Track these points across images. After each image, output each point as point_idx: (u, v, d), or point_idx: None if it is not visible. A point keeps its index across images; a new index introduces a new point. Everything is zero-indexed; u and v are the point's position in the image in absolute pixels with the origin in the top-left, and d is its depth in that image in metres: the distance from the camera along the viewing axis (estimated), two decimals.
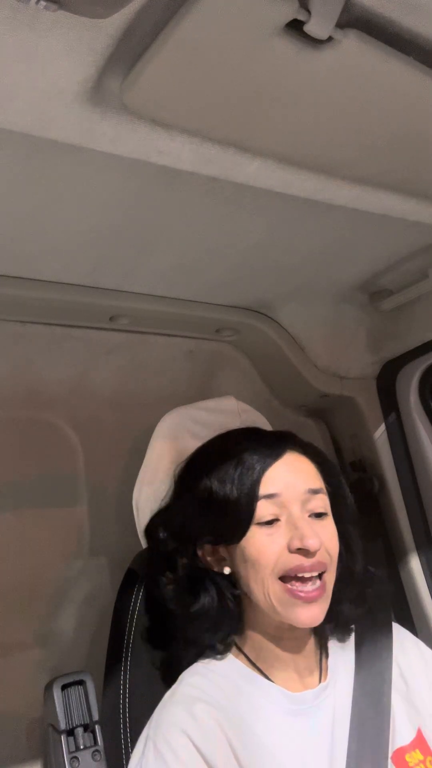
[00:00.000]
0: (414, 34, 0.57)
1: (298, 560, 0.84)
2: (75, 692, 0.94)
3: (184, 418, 1.07)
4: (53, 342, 1.16)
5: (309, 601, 0.84)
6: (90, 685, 0.95)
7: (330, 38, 0.53)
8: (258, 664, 0.91)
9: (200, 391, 1.28)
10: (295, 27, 0.52)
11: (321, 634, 0.96)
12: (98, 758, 0.92)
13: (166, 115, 0.61)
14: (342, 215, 0.86)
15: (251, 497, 0.87)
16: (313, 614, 0.85)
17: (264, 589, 0.86)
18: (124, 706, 0.96)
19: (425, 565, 1.29)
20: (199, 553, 0.93)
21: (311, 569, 0.84)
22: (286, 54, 0.54)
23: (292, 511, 0.87)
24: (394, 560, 1.31)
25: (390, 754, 0.86)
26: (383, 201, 0.81)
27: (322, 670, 0.93)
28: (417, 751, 0.88)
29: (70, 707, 0.93)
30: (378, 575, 1.12)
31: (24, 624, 1.10)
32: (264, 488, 0.88)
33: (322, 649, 0.96)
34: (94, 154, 0.65)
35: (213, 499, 0.90)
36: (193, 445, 1.02)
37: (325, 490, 0.92)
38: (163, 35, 0.52)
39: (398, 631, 1.02)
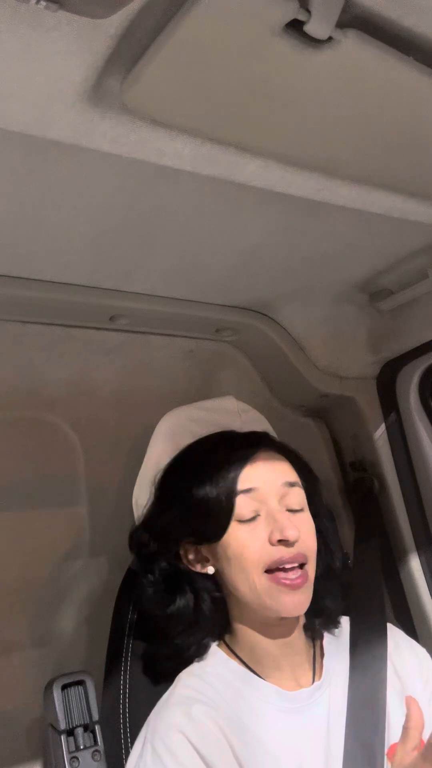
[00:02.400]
0: (414, 34, 0.57)
1: (280, 552, 0.87)
2: (75, 692, 0.94)
3: (184, 417, 1.07)
4: (53, 342, 1.16)
5: (294, 588, 0.86)
6: (90, 685, 0.95)
7: (330, 38, 0.53)
8: (251, 665, 0.91)
9: (200, 391, 1.28)
10: (295, 27, 0.52)
11: (312, 633, 0.97)
12: (98, 758, 0.92)
13: (167, 115, 0.61)
14: (342, 215, 0.86)
15: (230, 493, 0.89)
16: (299, 601, 0.87)
17: (250, 583, 0.87)
18: (124, 706, 0.96)
19: (425, 565, 1.29)
20: (181, 553, 0.94)
21: (293, 560, 0.87)
22: (286, 54, 0.54)
23: (270, 506, 0.89)
24: (394, 560, 1.31)
25: (386, 750, 0.87)
26: (383, 201, 0.81)
27: (316, 670, 0.94)
28: None
29: (70, 707, 0.93)
30: (368, 571, 1.13)
31: (24, 624, 1.10)
32: (242, 484, 0.90)
33: (316, 649, 0.96)
34: (94, 154, 0.65)
35: (193, 499, 0.91)
36: None
37: (300, 485, 0.94)
38: (163, 35, 0.52)
39: (392, 631, 1.03)
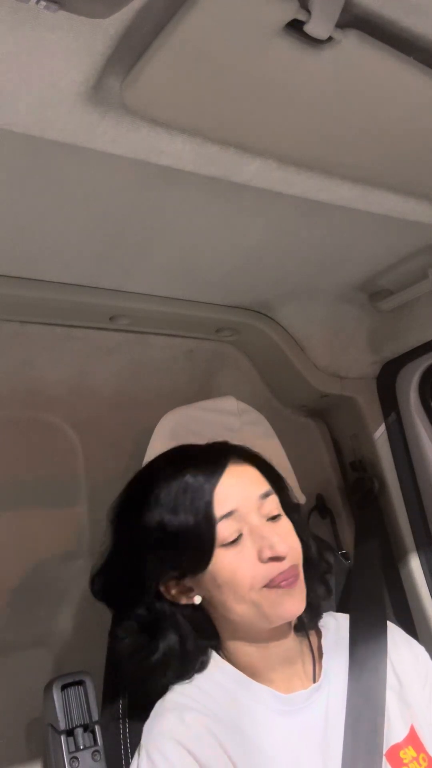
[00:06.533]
0: (414, 34, 0.57)
1: (273, 570, 0.84)
2: (75, 692, 0.94)
3: (185, 418, 1.07)
4: (53, 342, 1.16)
5: (290, 586, 0.84)
6: (90, 685, 0.95)
7: (330, 38, 0.53)
8: (246, 674, 0.90)
9: (200, 391, 1.28)
10: (295, 27, 0.52)
11: (305, 632, 0.96)
12: (98, 758, 0.91)
13: (167, 114, 0.61)
14: (342, 215, 0.86)
15: (209, 521, 0.85)
16: (296, 603, 0.85)
17: (246, 601, 0.85)
18: (124, 706, 0.96)
19: (425, 565, 1.29)
20: (162, 590, 0.90)
21: (286, 576, 0.84)
22: (286, 54, 0.54)
23: (252, 522, 0.86)
24: (394, 560, 1.31)
25: (384, 752, 0.86)
26: (383, 201, 0.81)
27: (315, 671, 0.93)
28: (410, 747, 0.88)
29: (69, 707, 0.93)
30: (368, 570, 1.13)
31: (24, 624, 1.10)
32: (219, 508, 0.85)
33: (314, 650, 0.96)
34: (94, 154, 0.65)
35: (167, 531, 0.86)
36: None
37: (273, 491, 0.91)
38: (163, 35, 0.52)
39: (391, 629, 1.02)
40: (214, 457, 0.90)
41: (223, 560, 0.85)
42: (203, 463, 0.89)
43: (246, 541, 0.85)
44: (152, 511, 0.87)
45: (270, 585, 0.84)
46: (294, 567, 0.86)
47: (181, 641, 0.89)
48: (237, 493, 0.87)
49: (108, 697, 0.98)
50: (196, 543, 0.85)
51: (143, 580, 0.89)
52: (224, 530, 0.85)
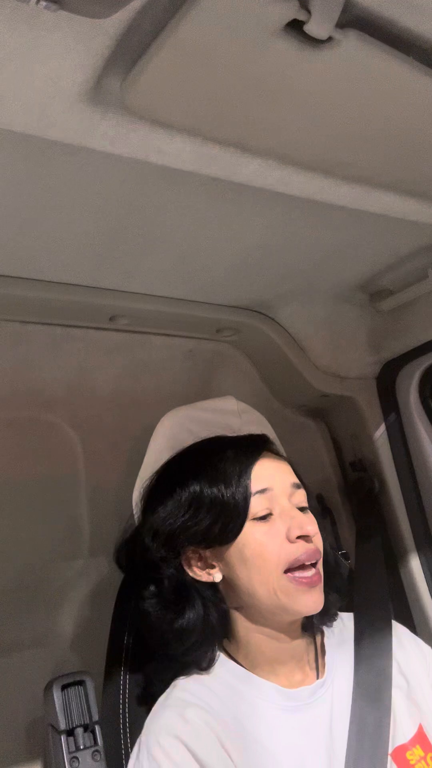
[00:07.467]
0: (414, 34, 0.57)
1: (300, 549, 0.87)
2: (75, 692, 0.94)
3: (184, 418, 1.07)
4: (53, 342, 1.16)
5: (312, 585, 0.87)
6: (90, 685, 0.95)
7: (330, 38, 0.53)
8: (251, 669, 0.90)
9: (200, 391, 1.28)
10: (295, 27, 0.52)
11: (312, 630, 0.96)
12: (98, 758, 0.92)
13: (167, 115, 0.61)
14: (342, 215, 0.86)
15: (245, 492, 0.89)
16: (316, 599, 0.87)
17: (269, 585, 0.86)
18: (124, 706, 0.96)
19: (425, 565, 1.29)
20: (184, 562, 0.92)
21: (312, 557, 0.87)
22: (286, 54, 0.54)
23: (282, 504, 0.90)
24: (394, 560, 1.31)
25: (390, 751, 0.86)
26: (383, 201, 0.81)
27: (319, 668, 0.94)
28: (418, 747, 0.88)
29: (69, 707, 0.93)
30: (371, 570, 1.14)
31: (24, 624, 1.10)
32: (255, 484, 0.90)
33: (317, 647, 0.96)
34: (94, 154, 0.65)
35: (203, 499, 0.90)
36: None
37: (302, 486, 0.95)
38: (163, 35, 0.52)
39: (396, 628, 1.03)
40: (252, 443, 0.97)
41: (253, 533, 0.88)
42: (243, 446, 0.95)
43: (276, 520, 0.89)
44: (189, 483, 0.92)
45: (294, 565, 0.86)
46: (318, 552, 0.89)
47: (205, 612, 0.90)
48: (272, 474, 0.92)
49: (108, 696, 0.98)
50: (231, 512, 0.88)
51: (175, 543, 0.91)
52: (256, 505, 0.89)
